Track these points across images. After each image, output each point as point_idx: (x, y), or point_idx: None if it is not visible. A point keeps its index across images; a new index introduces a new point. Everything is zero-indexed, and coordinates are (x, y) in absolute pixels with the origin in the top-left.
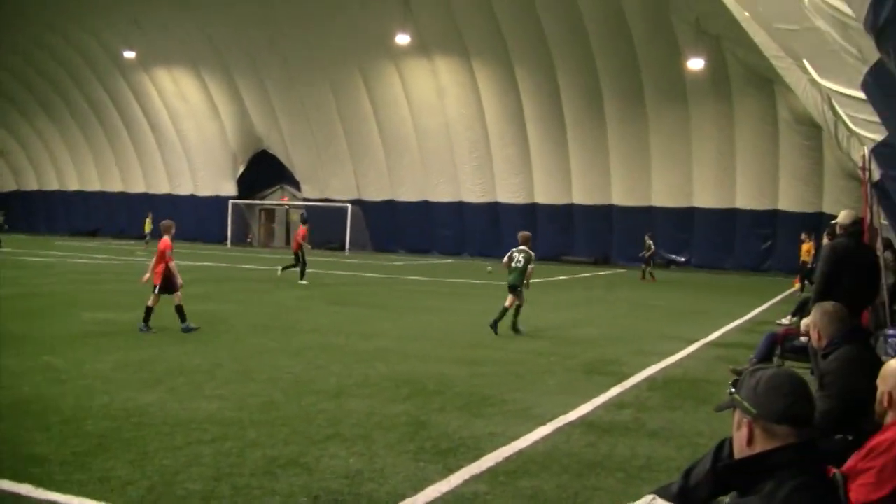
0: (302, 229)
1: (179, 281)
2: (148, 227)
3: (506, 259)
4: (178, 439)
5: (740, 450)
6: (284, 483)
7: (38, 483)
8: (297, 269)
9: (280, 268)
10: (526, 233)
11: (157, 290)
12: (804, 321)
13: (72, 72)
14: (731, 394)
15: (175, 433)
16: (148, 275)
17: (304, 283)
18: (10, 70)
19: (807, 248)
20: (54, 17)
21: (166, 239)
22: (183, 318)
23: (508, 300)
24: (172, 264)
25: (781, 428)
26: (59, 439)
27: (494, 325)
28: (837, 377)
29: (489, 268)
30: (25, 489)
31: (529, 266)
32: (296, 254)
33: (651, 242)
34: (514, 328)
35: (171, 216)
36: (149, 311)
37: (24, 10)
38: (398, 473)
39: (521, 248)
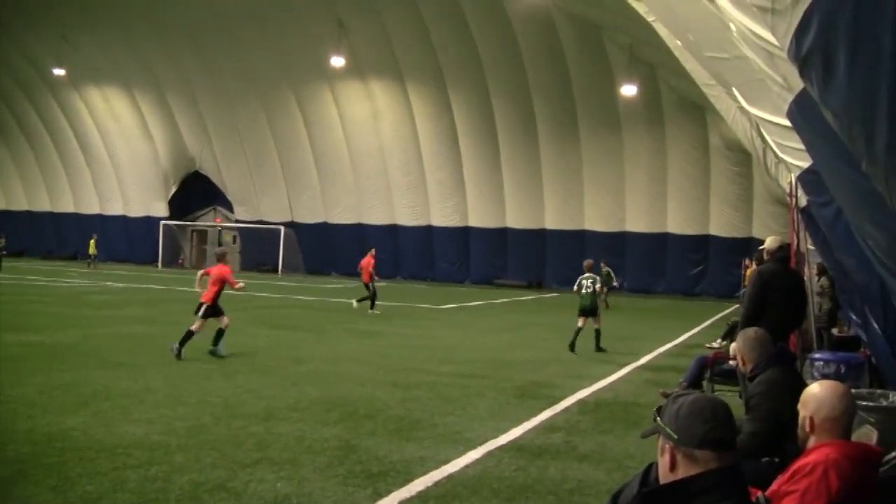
0: (369, 258)
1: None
2: (92, 248)
3: (575, 288)
4: (103, 464)
5: (664, 475)
6: None
7: None
8: (368, 301)
9: (355, 300)
10: (589, 261)
11: (203, 314)
12: (733, 345)
13: None
14: (655, 419)
15: (99, 458)
16: (200, 289)
17: (375, 312)
18: None
19: (749, 272)
20: None
21: (224, 266)
22: (217, 341)
23: (581, 321)
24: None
25: (702, 453)
26: None
27: (572, 346)
28: (762, 400)
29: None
30: None
31: (597, 287)
32: (366, 285)
33: (609, 270)
34: (599, 348)
35: (101, 236)
36: (190, 334)
37: None
38: (327, 498)
39: (588, 275)
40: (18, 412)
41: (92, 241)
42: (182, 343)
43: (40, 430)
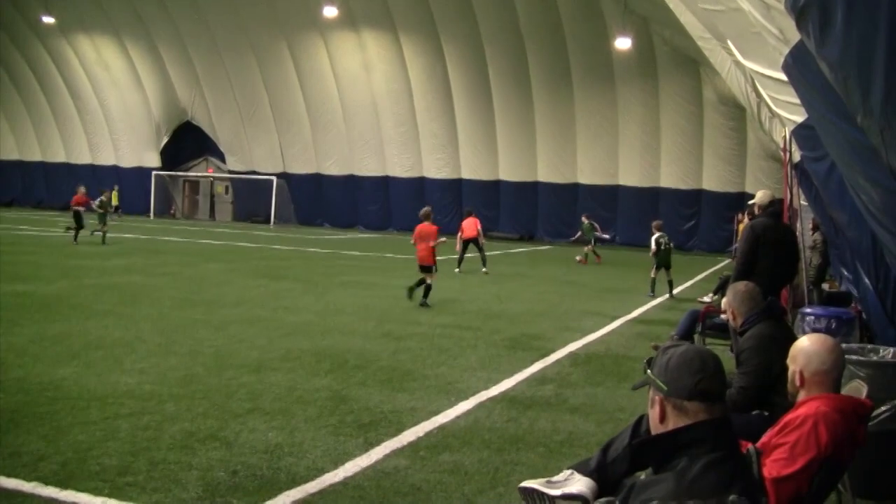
0: (475, 220)
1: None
2: (115, 199)
3: (654, 248)
4: (94, 414)
5: (654, 427)
6: (203, 457)
7: None
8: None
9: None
10: (659, 221)
11: (435, 270)
12: (724, 299)
13: None
14: (645, 371)
15: (91, 407)
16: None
17: (485, 270)
18: None
19: (742, 227)
20: None
21: (425, 225)
22: (427, 293)
23: (654, 272)
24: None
25: (692, 404)
26: None
27: (652, 289)
28: (752, 354)
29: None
30: None
31: (671, 244)
32: (473, 244)
33: (591, 223)
34: (672, 296)
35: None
36: (429, 287)
37: None
38: (318, 448)
39: (660, 234)
40: (9, 362)
41: (115, 193)
42: (425, 295)
43: (32, 379)
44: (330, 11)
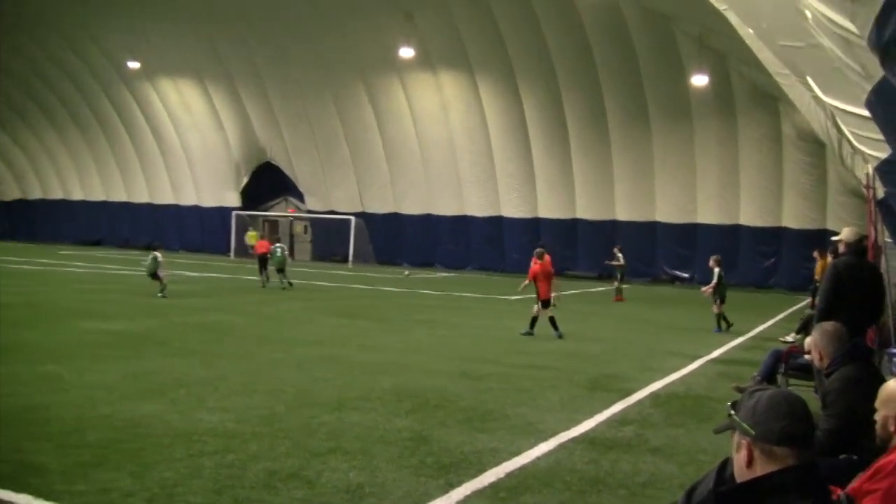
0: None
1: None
2: (253, 240)
3: (716, 280)
4: (179, 451)
5: (740, 472)
6: (285, 496)
7: (39, 493)
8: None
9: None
10: (717, 256)
11: (542, 305)
12: (808, 339)
13: (76, 81)
14: (730, 414)
15: (176, 445)
16: (525, 284)
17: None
18: (15, 78)
19: (821, 265)
20: (60, 24)
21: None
22: (554, 327)
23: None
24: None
25: (781, 449)
26: (61, 449)
27: (726, 326)
28: (839, 396)
29: (406, 272)
30: (25, 499)
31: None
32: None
33: (621, 255)
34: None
35: (175, 226)
36: (534, 320)
37: (29, 17)
38: (399, 488)
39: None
40: (98, 398)
41: (252, 234)
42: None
43: (119, 416)
44: (407, 52)
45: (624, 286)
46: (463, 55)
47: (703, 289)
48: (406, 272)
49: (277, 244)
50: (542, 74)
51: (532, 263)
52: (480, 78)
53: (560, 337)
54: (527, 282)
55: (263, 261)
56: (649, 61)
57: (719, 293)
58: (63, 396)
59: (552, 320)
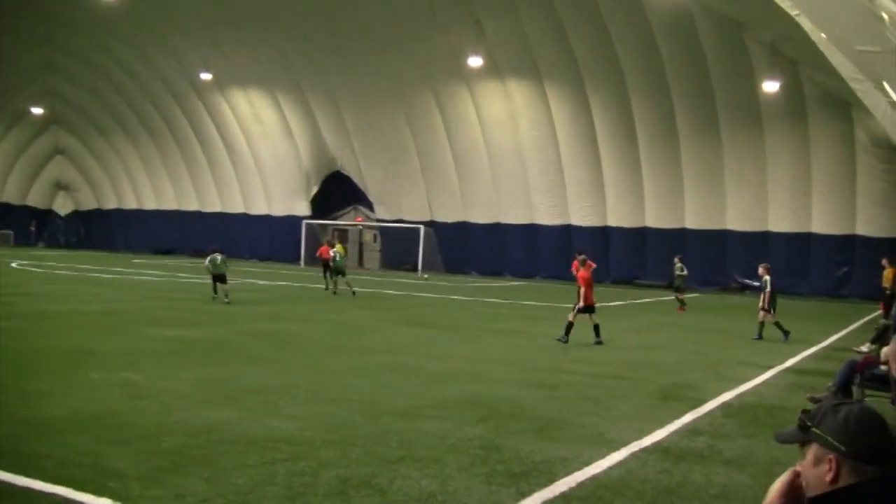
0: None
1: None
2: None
3: (770, 289)
4: (253, 457)
5: (822, 487)
6: None
7: (117, 497)
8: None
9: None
10: (765, 264)
11: (577, 310)
12: (884, 349)
13: (150, 93)
14: (807, 427)
15: (249, 451)
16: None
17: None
18: (91, 91)
19: (888, 273)
20: (134, 38)
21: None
22: (598, 333)
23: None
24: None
25: (871, 467)
26: (137, 454)
27: (785, 335)
28: None
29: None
30: (104, 503)
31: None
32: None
33: (682, 265)
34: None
35: (246, 236)
36: (570, 326)
37: (104, 32)
38: (471, 496)
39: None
40: (172, 405)
41: (340, 247)
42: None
43: (193, 422)
44: (475, 61)
45: (684, 296)
46: (531, 63)
47: (761, 304)
48: (425, 276)
49: (332, 250)
50: (612, 82)
51: (577, 270)
52: (549, 86)
53: (600, 343)
54: (584, 291)
55: (328, 267)
56: (719, 68)
57: (771, 302)
58: (137, 403)
59: (596, 327)
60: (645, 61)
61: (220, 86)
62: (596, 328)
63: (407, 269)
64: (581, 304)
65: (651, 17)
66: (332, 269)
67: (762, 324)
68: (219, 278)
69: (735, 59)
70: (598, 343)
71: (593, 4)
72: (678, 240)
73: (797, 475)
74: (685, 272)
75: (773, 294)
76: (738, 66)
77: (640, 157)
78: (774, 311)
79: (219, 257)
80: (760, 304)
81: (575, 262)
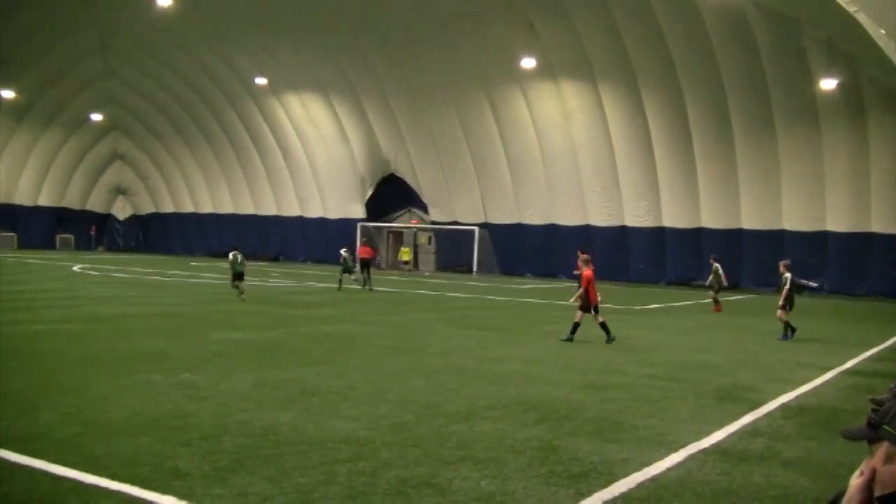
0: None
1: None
2: (406, 255)
3: (789, 286)
4: (314, 458)
5: (892, 484)
6: None
7: (182, 496)
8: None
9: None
10: (786, 261)
11: (582, 309)
12: None
13: (206, 98)
14: (878, 424)
15: (310, 452)
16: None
17: None
18: (148, 97)
19: None
20: (190, 45)
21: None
22: (607, 330)
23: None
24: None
25: None
26: (200, 454)
27: (792, 334)
28: None
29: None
30: (170, 501)
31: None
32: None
33: (718, 266)
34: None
35: (301, 238)
36: (576, 326)
37: (161, 40)
38: (530, 497)
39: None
40: (233, 406)
41: (405, 250)
42: (572, 332)
43: (254, 423)
44: (528, 63)
45: (717, 295)
46: (585, 64)
47: (781, 303)
48: (426, 272)
49: (343, 249)
50: (665, 81)
51: (581, 269)
52: (602, 86)
53: (611, 341)
54: (582, 290)
55: (367, 266)
56: (775, 66)
57: (790, 299)
58: (199, 404)
59: (604, 325)
60: (698, 60)
61: (275, 90)
62: (603, 326)
63: (462, 271)
64: (592, 303)
65: (705, 14)
66: (361, 266)
67: (786, 323)
68: (237, 276)
69: (790, 57)
70: (610, 341)
71: (646, 4)
72: (734, 240)
73: (873, 476)
74: (721, 272)
75: (791, 292)
76: (793, 64)
77: (694, 157)
78: (790, 309)
79: (239, 256)
80: (780, 301)
81: (578, 262)
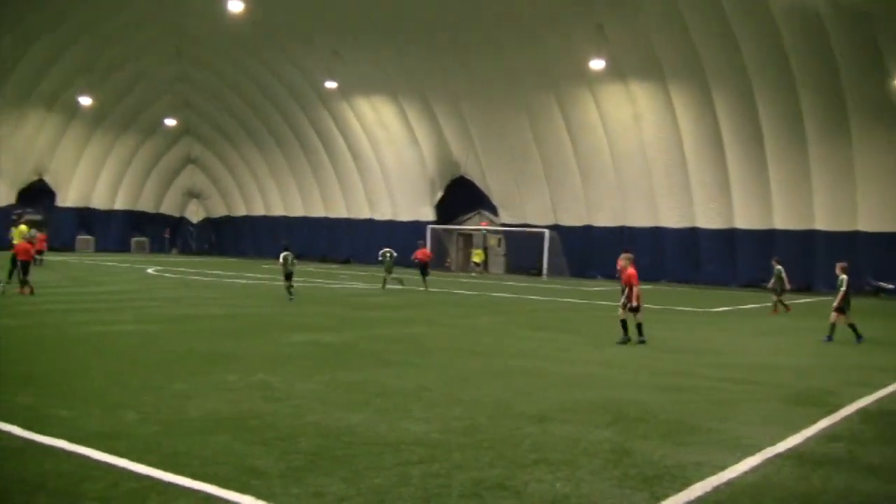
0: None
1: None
2: (479, 257)
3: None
4: (388, 459)
5: None
6: None
7: (259, 495)
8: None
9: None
10: (843, 263)
11: (629, 308)
12: None
13: (277, 102)
14: None
15: (384, 453)
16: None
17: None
18: (220, 101)
19: None
20: (261, 50)
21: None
22: (640, 332)
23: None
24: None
25: None
26: (276, 454)
27: (830, 338)
28: None
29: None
30: (249, 500)
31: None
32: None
33: (780, 268)
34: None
35: (370, 241)
36: (624, 323)
37: (232, 45)
38: (605, 499)
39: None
40: (307, 407)
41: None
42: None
43: (328, 424)
44: (597, 64)
45: (781, 298)
46: (655, 65)
47: (836, 304)
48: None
49: (385, 249)
50: (736, 81)
51: (623, 268)
52: (673, 87)
53: (643, 342)
54: (629, 289)
55: (425, 268)
56: (849, 64)
57: (845, 302)
58: (274, 405)
59: (639, 326)
60: (770, 58)
61: (345, 94)
62: (639, 327)
63: (532, 273)
64: (635, 302)
65: (776, 12)
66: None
67: (833, 325)
68: (288, 276)
69: (866, 55)
70: (642, 342)
71: (717, 2)
72: (807, 242)
73: None
74: (784, 275)
75: (847, 294)
76: (868, 61)
77: (766, 157)
78: (848, 312)
79: (289, 257)
80: (835, 303)
81: (620, 261)
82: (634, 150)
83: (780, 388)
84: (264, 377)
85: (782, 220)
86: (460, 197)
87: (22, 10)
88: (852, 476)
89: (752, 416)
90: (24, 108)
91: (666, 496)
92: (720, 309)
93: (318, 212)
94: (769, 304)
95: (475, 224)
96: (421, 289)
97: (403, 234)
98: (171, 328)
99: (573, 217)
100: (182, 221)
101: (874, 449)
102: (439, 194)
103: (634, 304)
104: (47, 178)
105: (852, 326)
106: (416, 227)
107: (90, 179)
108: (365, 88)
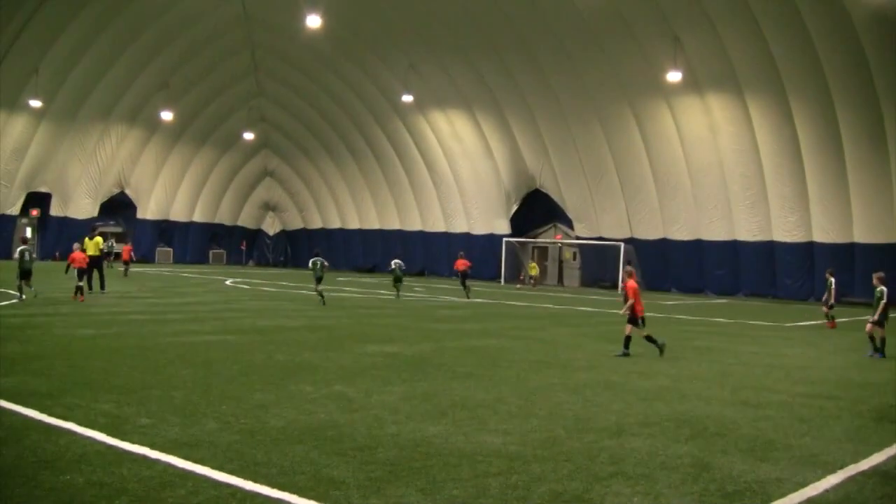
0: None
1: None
2: (534, 270)
3: (886, 300)
4: (465, 471)
5: None
6: None
7: None
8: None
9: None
10: (880, 273)
11: (631, 322)
12: None
13: (352, 115)
14: None
15: (462, 465)
16: (630, 304)
17: None
18: (296, 114)
19: None
20: (338, 65)
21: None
22: (654, 341)
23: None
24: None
25: None
26: (355, 464)
27: (881, 353)
28: None
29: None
30: None
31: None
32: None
33: (832, 280)
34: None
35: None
36: (627, 339)
37: (310, 60)
38: None
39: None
40: (384, 418)
41: (534, 264)
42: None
43: (405, 435)
44: (674, 76)
45: (831, 312)
46: (732, 76)
47: (873, 318)
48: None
49: (394, 261)
50: (815, 90)
51: (626, 281)
52: (750, 98)
53: (662, 351)
54: (631, 301)
55: (464, 277)
56: None
57: (883, 315)
58: (351, 416)
59: (649, 338)
60: (851, 67)
61: (421, 107)
62: (648, 338)
63: (606, 286)
64: (632, 314)
65: (855, 20)
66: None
67: (872, 337)
68: (318, 281)
69: None
70: (661, 351)
71: (794, 11)
72: (890, 255)
73: None
74: (833, 287)
75: (887, 307)
76: None
77: (846, 169)
78: (885, 325)
79: (318, 262)
80: (873, 316)
81: (623, 274)
82: (711, 162)
83: (863, 404)
84: (341, 388)
85: (862, 233)
86: (536, 209)
87: (102, 26)
88: None
89: (834, 433)
90: (108, 122)
91: None
92: (796, 323)
93: (393, 224)
94: (861, 319)
95: (550, 237)
96: (465, 300)
97: (479, 247)
98: (252, 338)
99: (649, 230)
100: (259, 234)
101: None
102: (514, 207)
103: (637, 316)
104: (128, 191)
105: (882, 340)
106: (492, 241)
107: (170, 192)
108: (440, 102)
